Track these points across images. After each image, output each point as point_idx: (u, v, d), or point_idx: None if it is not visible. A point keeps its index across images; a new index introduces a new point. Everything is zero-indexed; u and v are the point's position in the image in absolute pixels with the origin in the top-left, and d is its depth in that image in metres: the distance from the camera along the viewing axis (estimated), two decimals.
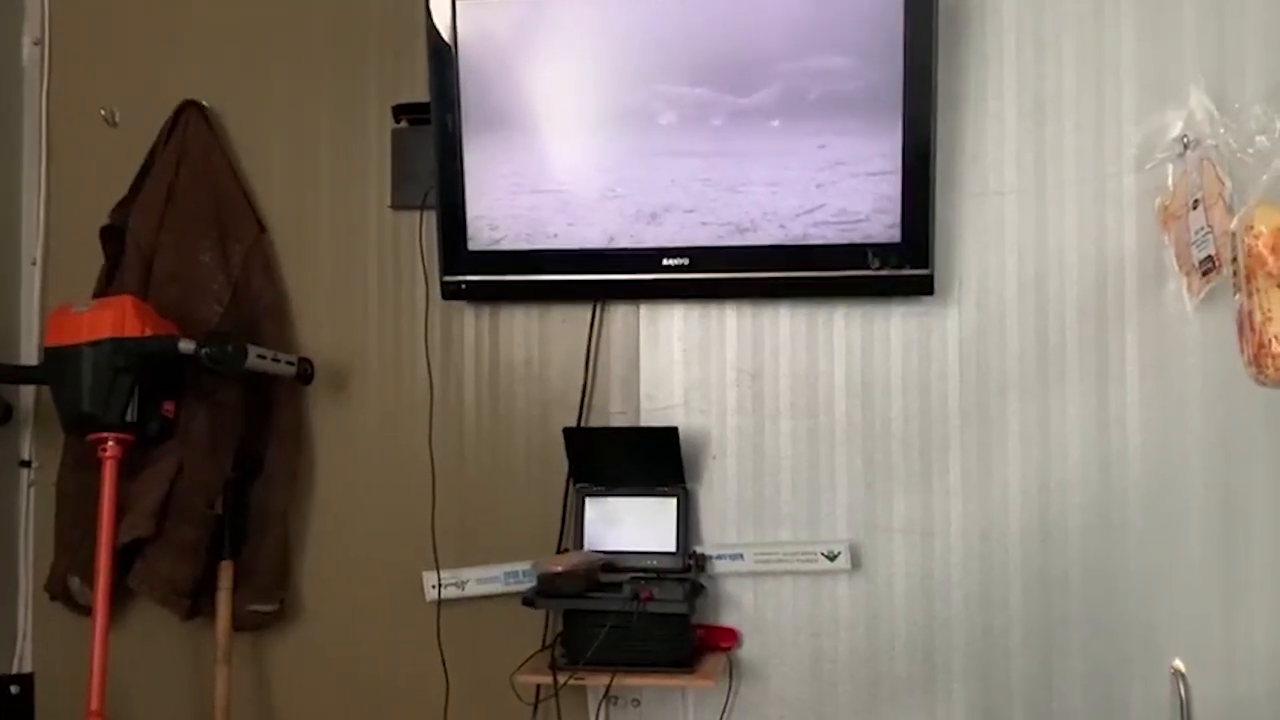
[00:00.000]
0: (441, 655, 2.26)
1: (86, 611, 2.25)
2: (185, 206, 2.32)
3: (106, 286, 2.37)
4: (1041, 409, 2.12)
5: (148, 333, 2.15)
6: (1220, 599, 2.05)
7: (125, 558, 2.22)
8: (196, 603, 2.29)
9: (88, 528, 2.21)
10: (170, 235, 2.31)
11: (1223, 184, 1.89)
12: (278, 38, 2.42)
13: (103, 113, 2.46)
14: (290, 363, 2.25)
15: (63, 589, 2.34)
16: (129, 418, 2.15)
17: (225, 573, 2.26)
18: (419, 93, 2.29)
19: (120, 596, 2.26)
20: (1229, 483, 2.05)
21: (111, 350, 2.12)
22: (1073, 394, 2.11)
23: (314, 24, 2.40)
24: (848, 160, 2.06)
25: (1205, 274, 1.94)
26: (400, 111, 2.33)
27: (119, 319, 2.14)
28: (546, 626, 2.23)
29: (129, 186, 2.38)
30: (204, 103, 2.39)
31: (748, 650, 2.20)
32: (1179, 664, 2.02)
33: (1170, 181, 2.04)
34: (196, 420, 2.26)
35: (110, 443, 2.15)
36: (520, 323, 2.32)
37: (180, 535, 2.23)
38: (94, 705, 2.07)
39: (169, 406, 2.24)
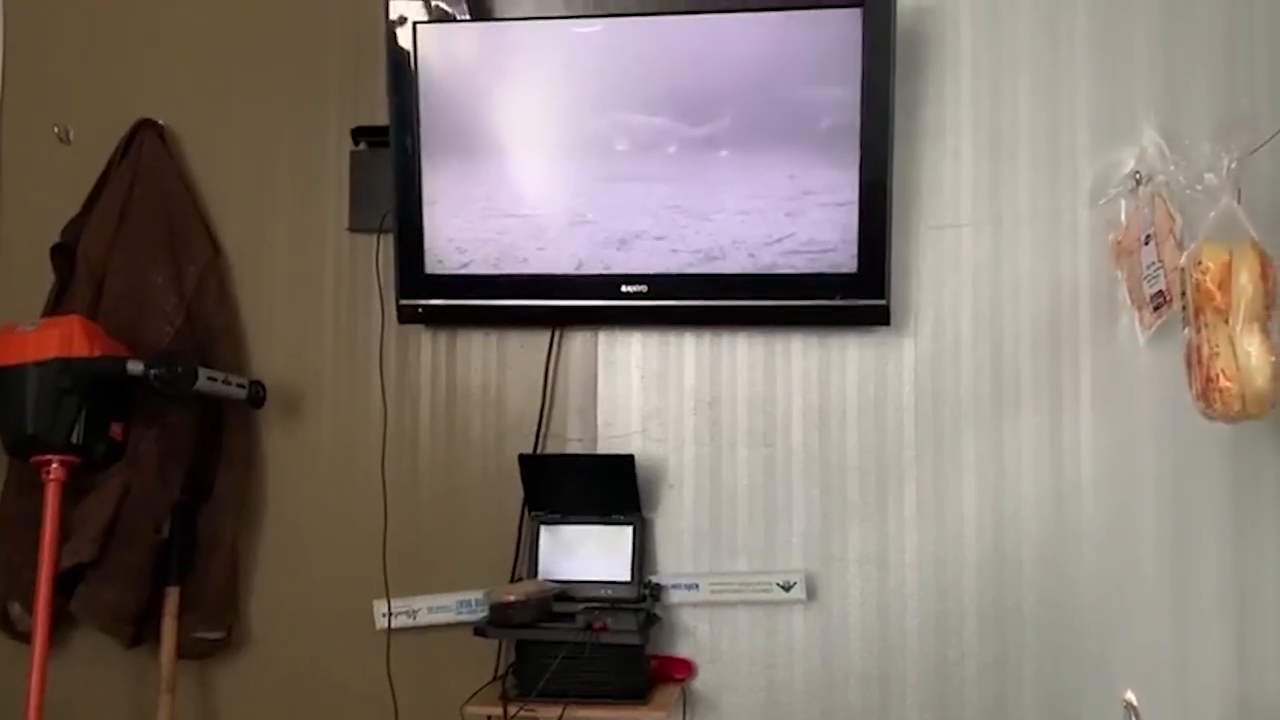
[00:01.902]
0: (390, 685, 2.22)
1: (26, 638, 2.18)
2: (138, 226, 2.29)
3: (55, 306, 2.33)
4: (996, 440, 2.13)
5: (96, 353, 2.11)
6: (1172, 630, 2.06)
7: (67, 583, 2.17)
8: (140, 629, 2.24)
9: (29, 552, 2.14)
10: (122, 254, 2.28)
11: (1173, 220, 1.92)
12: (236, 57, 2.40)
13: (56, 130, 2.43)
14: (241, 385, 2.22)
15: (2, 615, 2.28)
16: (75, 439, 2.10)
17: (171, 599, 2.21)
18: (379, 115, 2.28)
19: (61, 623, 2.21)
20: (1180, 514, 2.07)
21: (58, 370, 2.08)
22: (1027, 425, 2.12)
23: (274, 44, 2.39)
24: (816, 190, 2.07)
25: (1156, 309, 1.96)
26: (359, 134, 2.31)
27: (66, 339, 2.10)
28: (499, 657, 2.20)
29: (81, 205, 2.35)
30: (160, 121, 2.36)
31: (702, 681, 2.18)
32: (1131, 696, 2.03)
33: (1123, 216, 2.07)
34: (145, 443, 2.22)
35: (55, 465, 2.10)
36: (477, 348, 2.30)
37: (125, 560, 2.18)
38: None
39: (117, 429, 2.19)
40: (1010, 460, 2.12)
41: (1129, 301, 2.07)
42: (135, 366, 2.07)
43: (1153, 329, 2.00)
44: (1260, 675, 2.04)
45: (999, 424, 2.13)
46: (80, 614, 2.20)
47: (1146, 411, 2.08)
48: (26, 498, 2.23)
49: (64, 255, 2.33)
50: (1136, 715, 2.01)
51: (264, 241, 2.37)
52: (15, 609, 2.26)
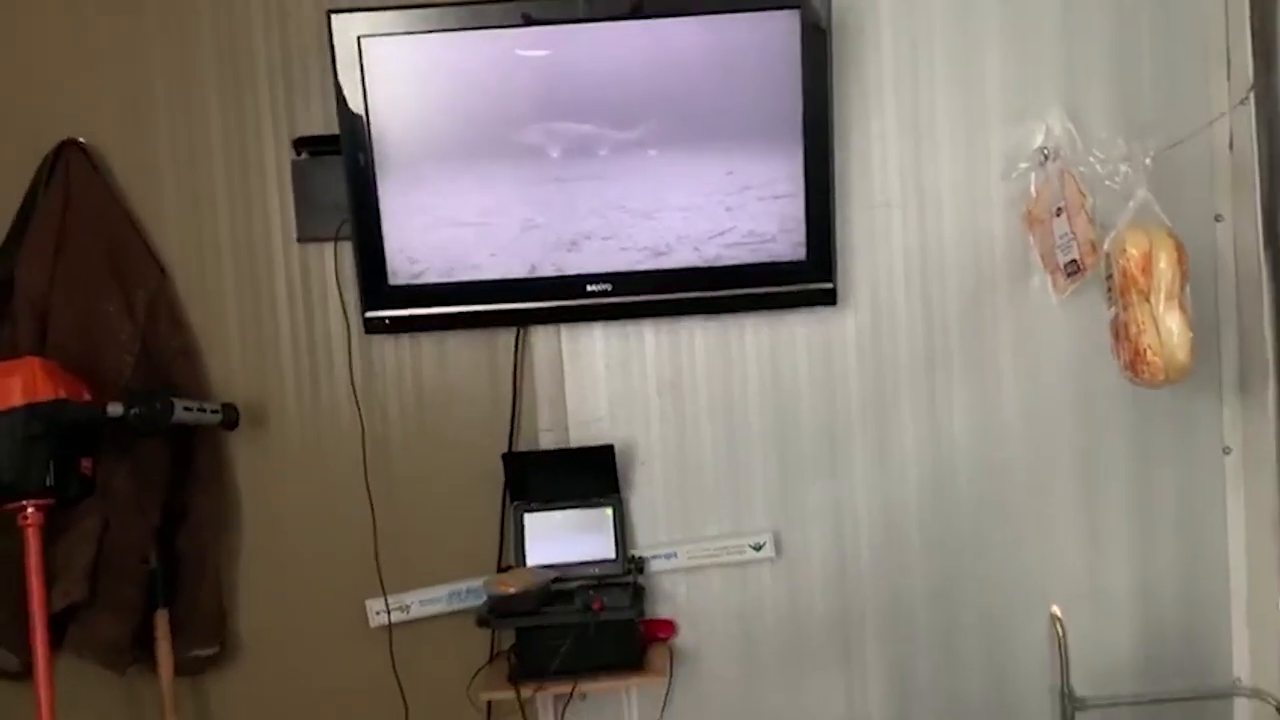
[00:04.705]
0: (397, 679, 2.33)
1: (11, 676, 2.20)
2: (78, 255, 2.23)
3: None
4: (929, 396, 2.36)
5: (61, 394, 2.07)
6: (1087, 550, 2.37)
7: (55, 621, 2.15)
8: (134, 655, 2.26)
9: (5, 591, 2.14)
10: (66, 285, 2.22)
11: (1084, 197, 2.15)
12: (159, 69, 2.33)
13: None
14: (215, 411, 2.22)
15: None
16: (48, 482, 2.08)
17: (162, 622, 2.23)
18: (314, 124, 2.30)
19: None
20: (1090, 450, 2.36)
21: (26, 418, 2.03)
22: (957, 380, 2.36)
23: (198, 56, 2.33)
24: (755, 185, 2.20)
25: (1070, 275, 2.21)
26: (301, 144, 2.30)
27: (29, 383, 2.05)
28: (493, 640, 2.33)
29: (6, 234, 2.26)
30: (83, 140, 2.28)
31: (683, 639, 2.38)
32: (1056, 610, 2.33)
33: (1033, 189, 2.29)
34: (118, 475, 2.21)
35: (30, 510, 2.06)
36: (443, 349, 2.36)
37: (117, 594, 2.19)
38: None
39: (86, 464, 2.16)
40: (943, 413, 2.36)
41: (1041, 265, 2.31)
42: (115, 409, 2.05)
43: (1067, 293, 2.25)
44: (1160, 584, 2.38)
45: (932, 382, 2.36)
46: (77, 652, 2.20)
47: (1059, 361, 2.35)
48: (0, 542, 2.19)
49: None
50: (1061, 625, 2.31)
51: (209, 259, 2.35)
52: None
